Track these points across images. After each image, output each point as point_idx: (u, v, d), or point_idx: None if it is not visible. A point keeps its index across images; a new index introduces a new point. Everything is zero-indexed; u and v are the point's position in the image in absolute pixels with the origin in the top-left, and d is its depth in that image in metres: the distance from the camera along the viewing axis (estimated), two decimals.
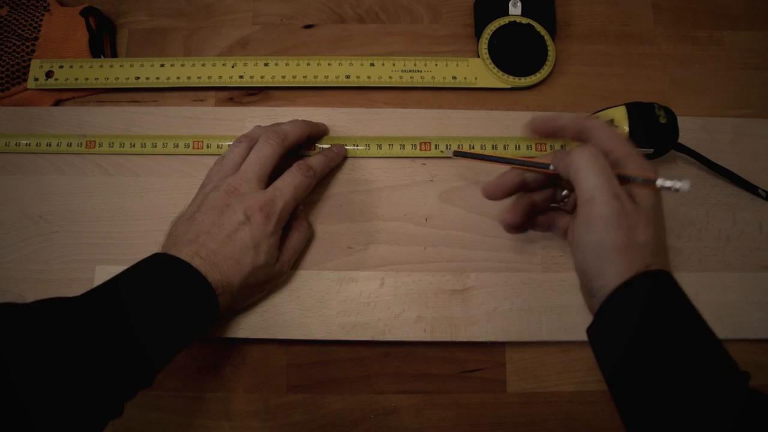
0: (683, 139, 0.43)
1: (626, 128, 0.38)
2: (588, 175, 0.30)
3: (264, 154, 0.38)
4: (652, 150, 0.39)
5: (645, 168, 0.31)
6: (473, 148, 0.44)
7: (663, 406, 0.27)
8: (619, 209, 0.30)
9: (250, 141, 0.40)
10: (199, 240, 0.35)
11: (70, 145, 0.44)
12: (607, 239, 0.30)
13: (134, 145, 0.44)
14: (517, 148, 0.44)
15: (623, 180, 0.31)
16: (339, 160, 0.43)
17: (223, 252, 0.35)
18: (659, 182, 0.31)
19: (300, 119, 0.42)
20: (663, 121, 0.39)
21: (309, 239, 0.42)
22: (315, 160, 0.41)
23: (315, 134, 0.43)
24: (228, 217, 0.36)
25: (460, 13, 0.50)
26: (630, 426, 0.29)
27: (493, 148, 0.44)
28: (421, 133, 0.45)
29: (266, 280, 0.38)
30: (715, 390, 0.27)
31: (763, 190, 0.42)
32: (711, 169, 0.44)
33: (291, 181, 0.38)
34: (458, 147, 0.43)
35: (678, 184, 0.30)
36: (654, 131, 0.39)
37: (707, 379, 0.27)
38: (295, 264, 0.42)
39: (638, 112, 0.39)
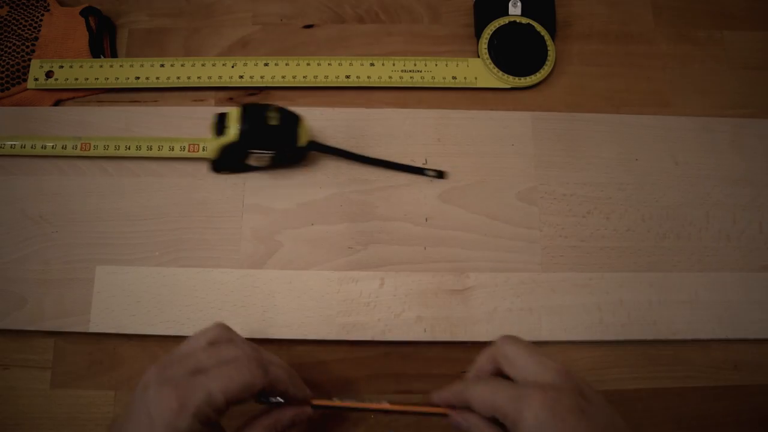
0: (683, 139, 0.43)
1: (238, 127, 0.39)
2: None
3: (235, 377, 0.29)
4: (274, 152, 0.40)
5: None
6: None
7: None
8: None
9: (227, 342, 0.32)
10: None
11: (65, 148, 0.43)
12: None
13: (129, 148, 0.43)
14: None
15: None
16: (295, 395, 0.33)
17: None
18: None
19: (295, 378, 0.34)
20: (274, 123, 0.39)
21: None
22: (277, 371, 0.32)
23: (292, 394, 0.33)
24: (141, 406, 0.28)
25: (460, 13, 0.50)
26: None
27: None
28: (421, 133, 0.45)
29: None
30: None
31: (431, 170, 0.43)
32: (358, 161, 0.44)
33: (226, 371, 0.29)
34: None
35: None
36: (263, 133, 0.39)
37: None
38: (296, 264, 0.42)
39: (251, 114, 0.39)
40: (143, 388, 0.29)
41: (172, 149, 0.43)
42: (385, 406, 0.35)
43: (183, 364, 0.30)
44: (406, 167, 0.44)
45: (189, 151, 0.44)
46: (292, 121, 0.40)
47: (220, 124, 0.40)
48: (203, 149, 0.43)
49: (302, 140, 0.41)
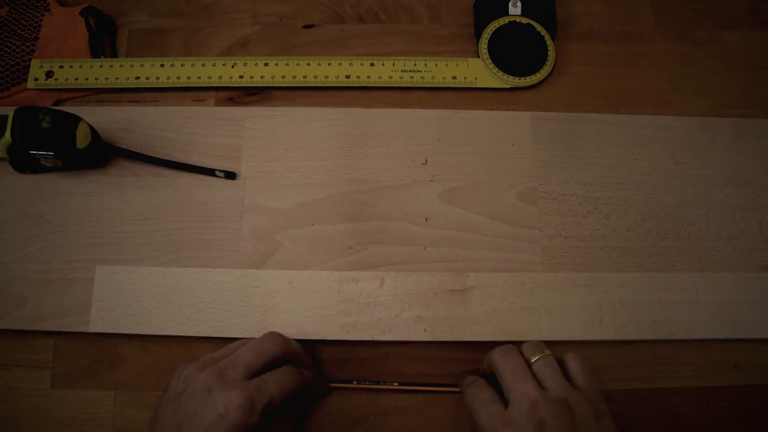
0: (683, 139, 0.43)
1: (11, 130, 0.39)
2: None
3: (264, 347, 0.36)
4: (52, 153, 0.40)
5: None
6: None
7: None
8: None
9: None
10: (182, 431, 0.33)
11: None
12: None
13: None
14: None
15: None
16: (315, 387, 0.40)
17: None
18: None
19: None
20: (46, 126, 0.39)
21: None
22: (307, 372, 0.39)
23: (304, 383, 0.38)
24: (209, 407, 0.33)
25: (460, 13, 0.50)
26: None
27: None
28: (421, 133, 0.45)
29: None
30: None
31: (220, 171, 0.43)
32: (148, 162, 0.43)
33: (279, 377, 0.35)
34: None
35: None
36: (37, 136, 0.40)
37: None
38: (296, 264, 0.42)
39: (22, 117, 0.40)
40: (206, 390, 0.33)
41: None
42: (396, 387, 0.40)
43: (236, 368, 0.34)
44: (195, 168, 0.43)
45: None
46: (67, 123, 0.40)
47: None
48: None
49: (81, 143, 0.40)
